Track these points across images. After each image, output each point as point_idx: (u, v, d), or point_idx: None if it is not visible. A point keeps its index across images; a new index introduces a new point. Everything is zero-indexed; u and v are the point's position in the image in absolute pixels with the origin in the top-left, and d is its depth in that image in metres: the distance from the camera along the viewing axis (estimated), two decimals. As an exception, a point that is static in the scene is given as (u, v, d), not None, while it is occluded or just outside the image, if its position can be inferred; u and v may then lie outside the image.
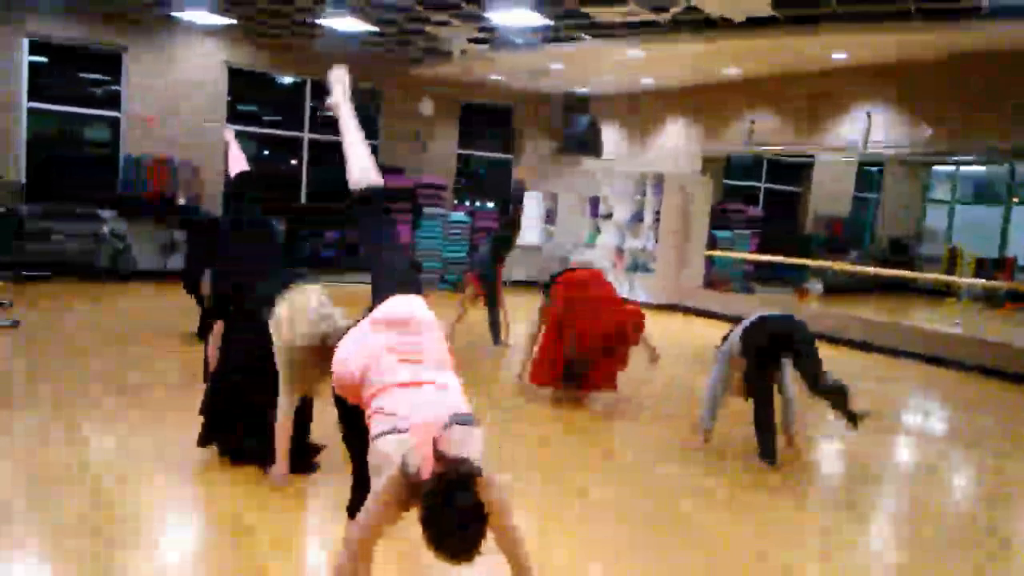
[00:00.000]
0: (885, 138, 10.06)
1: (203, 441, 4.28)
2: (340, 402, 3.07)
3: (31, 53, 10.53)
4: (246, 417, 4.15)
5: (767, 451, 4.93)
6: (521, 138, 14.70)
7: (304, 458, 4.20)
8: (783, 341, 4.89)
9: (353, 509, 4.19)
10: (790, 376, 5.05)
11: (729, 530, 3.96)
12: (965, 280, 13.89)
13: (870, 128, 9.91)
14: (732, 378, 5.06)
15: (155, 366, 6.37)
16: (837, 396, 4.58)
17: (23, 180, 10.49)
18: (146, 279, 10.79)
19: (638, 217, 12.76)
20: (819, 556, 3.79)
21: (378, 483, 2.39)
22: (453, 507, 2.22)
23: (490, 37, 10.37)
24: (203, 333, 7.34)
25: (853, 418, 4.55)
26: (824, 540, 3.99)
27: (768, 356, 4.93)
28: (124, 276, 10.66)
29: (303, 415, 4.10)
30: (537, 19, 9.09)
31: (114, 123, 11.24)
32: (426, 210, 12.85)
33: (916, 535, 4.25)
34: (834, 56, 9.57)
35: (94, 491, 3.81)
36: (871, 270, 12.26)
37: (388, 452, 2.38)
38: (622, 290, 12.46)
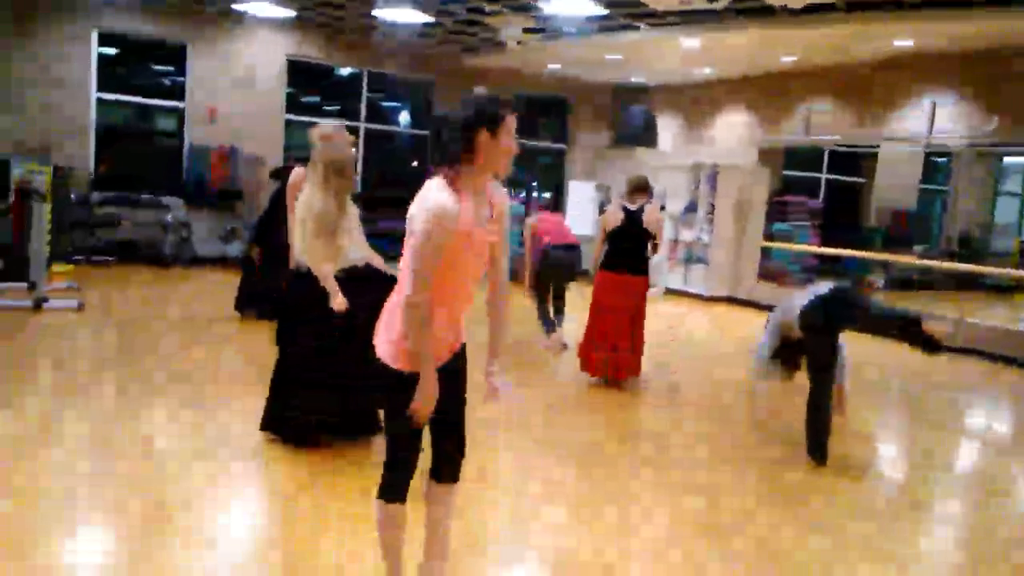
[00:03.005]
0: (951, 128, 9.74)
1: (266, 425, 4.41)
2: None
3: (100, 45, 10.90)
4: (317, 396, 4.23)
5: (817, 447, 4.82)
6: (576, 129, 14.66)
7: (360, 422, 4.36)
8: (841, 319, 4.79)
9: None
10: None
11: (767, 532, 3.92)
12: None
13: (934, 117, 9.60)
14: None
15: (215, 350, 6.57)
16: (906, 327, 4.48)
17: (92, 168, 10.89)
18: (208, 265, 11.11)
19: (692, 208, 12.61)
20: (869, 558, 3.72)
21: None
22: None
23: (545, 27, 10.36)
24: (240, 306, 7.60)
25: (929, 344, 4.43)
26: (883, 548, 3.92)
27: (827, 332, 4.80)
28: (186, 262, 11.00)
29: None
30: (591, 8, 9.05)
31: (179, 114, 11.57)
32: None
33: (979, 544, 4.15)
34: (896, 43, 9.30)
35: (157, 467, 3.97)
36: (931, 263, 11.90)
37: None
38: (675, 282, 12.36)
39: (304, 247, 4.16)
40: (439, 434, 2.71)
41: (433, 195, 2.39)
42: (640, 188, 6.30)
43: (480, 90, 2.54)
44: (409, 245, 2.43)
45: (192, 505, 3.58)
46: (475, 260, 2.56)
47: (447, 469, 2.74)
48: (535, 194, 14.37)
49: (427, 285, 2.39)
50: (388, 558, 2.77)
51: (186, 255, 11.11)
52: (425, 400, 2.48)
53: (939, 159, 16.44)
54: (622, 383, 6.34)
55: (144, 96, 11.72)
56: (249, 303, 7.62)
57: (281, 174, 7.42)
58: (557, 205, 7.80)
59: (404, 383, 2.50)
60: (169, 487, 3.73)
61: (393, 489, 2.67)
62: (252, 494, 3.97)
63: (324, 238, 4.11)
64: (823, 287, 4.91)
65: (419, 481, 2.73)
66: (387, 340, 2.55)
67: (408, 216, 2.44)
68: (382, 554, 2.77)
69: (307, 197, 4.16)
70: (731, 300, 11.90)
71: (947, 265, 12.06)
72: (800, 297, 4.95)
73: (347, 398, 4.21)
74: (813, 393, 4.81)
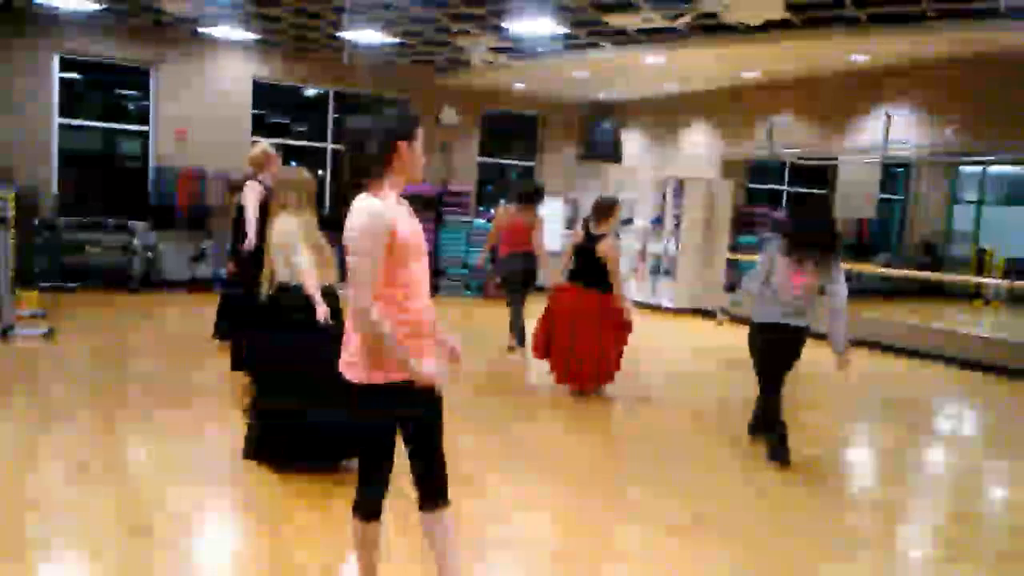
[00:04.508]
0: (907, 139, 10.01)
1: (250, 454, 4.40)
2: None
3: (62, 70, 10.82)
4: (300, 417, 4.23)
5: (777, 451, 4.92)
6: (542, 150, 14.80)
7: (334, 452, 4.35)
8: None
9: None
10: (841, 275, 4.87)
11: (754, 529, 4.00)
12: (992, 281, 13.72)
13: (889, 129, 9.87)
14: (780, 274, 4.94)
15: (186, 373, 6.53)
16: None
17: (56, 193, 10.77)
18: (176, 288, 11.03)
19: (659, 221, 12.78)
20: (844, 557, 3.81)
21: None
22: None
23: (511, 46, 10.48)
24: (219, 331, 7.48)
25: None
26: (850, 540, 4.01)
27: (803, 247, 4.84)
28: (154, 286, 10.90)
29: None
30: (555, 28, 9.19)
31: (144, 137, 11.50)
32: (450, 218, 12.98)
33: (946, 539, 4.26)
34: (852, 58, 9.56)
35: (132, 492, 3.95)
36: (894, 272, 12.18)
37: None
38: (643, 294, 12.50)
39: (292, 270, 4.25)
40: (416, 455, 2.67)
41: (363, 203, 2.48)
42: (602, 213, 6.35)
43: (403, 101, 2.67)
44: (349, 257, 2.49)
45: (172, 530, 3.57)
46: (422, 260, 2.62)
47: (426, 493, 2.67)
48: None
49: (369, 289, 2.44)
50: (362, 572, 2.81)
51: (154, 279, 11.02)
52: (428, 376, 2.51)
53: (897, 169, 16.83)
54: (586, 392, 6.46)
55: (108, 120, 11.64)
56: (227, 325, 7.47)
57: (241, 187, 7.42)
58: (532, 200, 7.84)
59: (374, 395, 2.52)
60: (147, 513, 3.72)
61: (364, 505, 2.70)
62: (233, 518, 3.97)
63: (312, 255, 4.28)
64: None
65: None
66: (351, 359, 2.58)
67: (345, 233, 2.50)
68: (359, 569, 2.81)
69: (285, 224, 4.25)
70: (698, 312, 12.06)
71: (903, 273, 12.35)
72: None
73: (321, 421, 4.20)
74: (762, 403, 5.01)
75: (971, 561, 3.78)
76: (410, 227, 2.55)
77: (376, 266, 2.44)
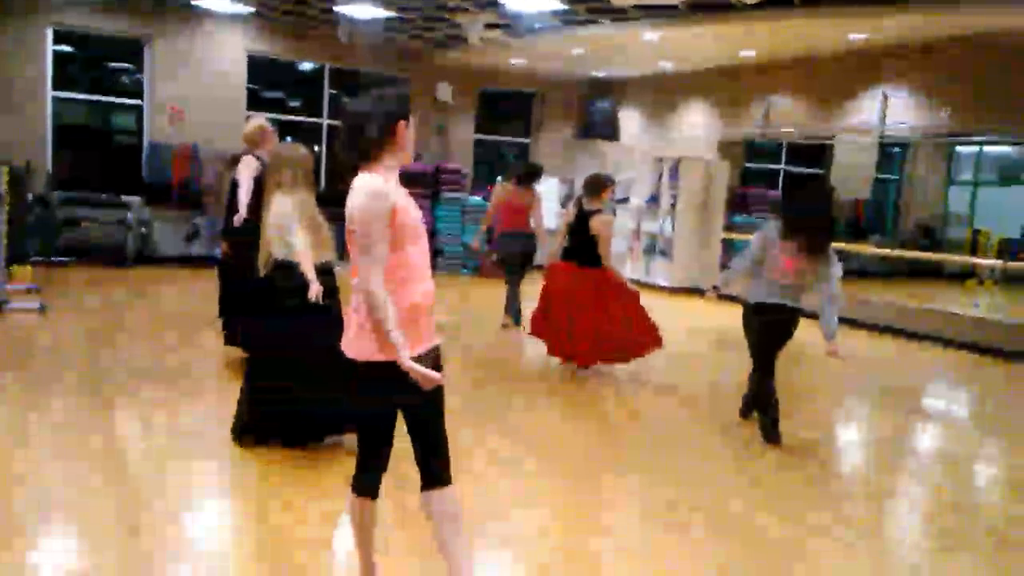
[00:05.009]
0: (904, 119, 10.00)
1: (241, 433, 4.38)
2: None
3: (56, 43, 10.72)
4: (294, 401, 4.24)
5: (770, 433, 4.95)
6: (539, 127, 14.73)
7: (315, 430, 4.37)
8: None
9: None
10: (834, 261, 4.83)
11: (751, 518, 4.03)
12: (986, 262, 13.75)
13: (886, 109, 9.85)
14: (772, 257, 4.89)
15: (180, 350, 6.54)
16: None
17: (49, 168, 10.72)
18: (170, 264, 11.01)
19: (654, 200, 12.76)
20: (841, 546, 3.81)
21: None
22: None
23: (507, 23, 10.40)
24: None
25: None
26: (847, 530, 4.03)
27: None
28: (148, 261, 10.87)
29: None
30: (552, 3, 9.12)
31: (138, 111, 11.43)
32: (445, 195, 12.94)
33: (938, 525, 4.29)
34: (851, 37, 9.51)
35: (123, 470, 3.97)
36: (889, 252, 12.19)
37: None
38: (638, 273, 12.50)
39: (289, 249, 4.23)
40: (418, 436, 2.64)
41: (365, 182, 2.49)
42: (594, 190, 6.34)
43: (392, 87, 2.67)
44: (354, 239, 2.48)
45: (166, 506, 3.60)
46: (420, 242, 2.61)
47: (427, 473, 2.63)
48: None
49: (378, 270, 2.44)
50: (357, 548, 2.83)
51: (148, 254, 10.99)
52: (424, 375, 2.44)
53: (894, 149, 16.79)
54: (578, 369, 6.49)
55: (102, 94, 11.55)
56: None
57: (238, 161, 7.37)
58: (531, 179, 7.85)
59: (377, 372, 2.50)
60: (142, 489, 3.74)
61: (361, 480, 2.71)
62: (226, 494, 3.99)
63: (309, 233, 4.27)
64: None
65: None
66: (358, 337, 2.55)
67: (347, 213, 2.51)
68: (358, 557, 2.83)
69: (280, 205, 4.23)
70: (693, 291, 12.06)
71: (899, 254, 12.37)
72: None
73: (318, 397, 4.19)
74: (756, 383, 5.01)
75: (968, 550, 3.78)
76: (409, 208, 2.56)
77: (382, 246, 2.45)
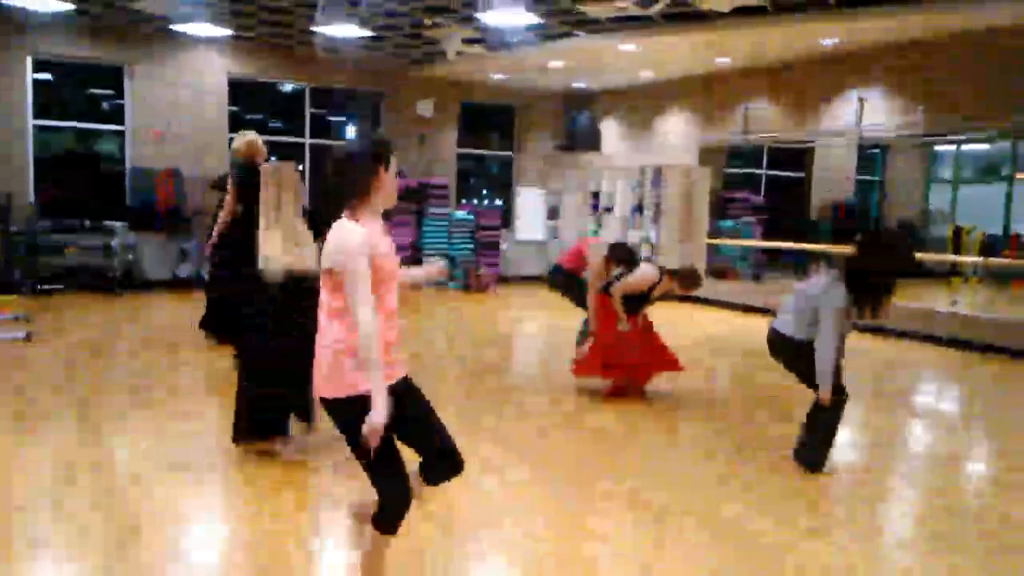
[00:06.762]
0: (881, 120, 10.12)
1: (239, 436, 4.46)
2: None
3: (35, 71, 10.72)
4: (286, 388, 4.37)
5: (818, 459, 4.74)
6: (522, 138, 14.82)
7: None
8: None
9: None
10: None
11: (745, 522, 4.06)
12: (969, 259, 13.89)
13: (862, 111, 9.98)
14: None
15: (168, 373, 6.53)
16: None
17: (31, 198, 10.69)
18: (158, 289, 10.98)
19: (639, 209, 12.84)
20: (836, 549, 3.83)
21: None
22: None
23: (484, 37, 10.49)
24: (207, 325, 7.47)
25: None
26: (843, 533, 4.07)
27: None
28: (135, 287, 10.84)
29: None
30: (527, 18, 9.20)
31: (121, 137, 11.43)
32: (431, 210, 12.98)
33: (931, 522, 4.33)
34: (824, 42, 9.65)
35: (115, 492, 3.96)
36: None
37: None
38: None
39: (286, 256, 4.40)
40: (420, 438, 2.80)
41: (349, 230, 2.57)
42: (621, 260, 6.46)
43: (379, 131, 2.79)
44: (343, 279, 2.53)
45: (160, 525, 3.60)
46: (392, 284, 2.72)
47: (443, 463, 2.82)
48: (485, 201, 14.52)
49: (370, 307, 2.52)
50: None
51: (135, 280, 10.96)
52: (378, 415, 2.49)
53: (873, 151, 16.96)
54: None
55: (83, 121, 11.56)
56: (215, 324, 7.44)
57: (222, 184, 7.39)
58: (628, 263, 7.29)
59: (365, 405, 2.53)
60: (134, 509, 3.73)
61: (390, 521, 2.71)
62: (220, 514, 4.00)
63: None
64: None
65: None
66: (330, 377, 2.62)
67: (325, 254, 2.59)
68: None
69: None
70: (680, 298, 12.11)
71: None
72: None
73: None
74: (824, 415, 4.68)
75: (960, 553, 3.79)
76: (386, 251, 2.66)
77: (366, 286, 2.53)
